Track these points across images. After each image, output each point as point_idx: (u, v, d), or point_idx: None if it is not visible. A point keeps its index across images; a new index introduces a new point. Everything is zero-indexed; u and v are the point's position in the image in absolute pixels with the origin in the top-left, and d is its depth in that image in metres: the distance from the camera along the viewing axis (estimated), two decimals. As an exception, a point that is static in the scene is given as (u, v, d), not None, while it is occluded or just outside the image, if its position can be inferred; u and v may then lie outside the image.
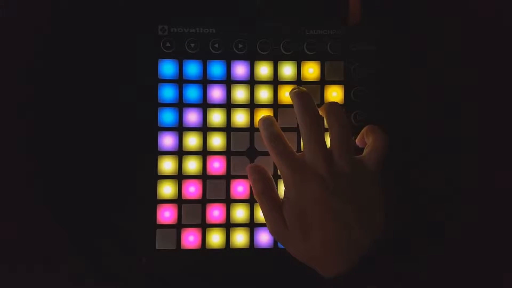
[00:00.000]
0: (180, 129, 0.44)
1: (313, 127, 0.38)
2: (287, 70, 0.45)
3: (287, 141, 0.39)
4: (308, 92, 0.40)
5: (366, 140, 0.40)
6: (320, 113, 0.40)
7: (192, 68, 0.45)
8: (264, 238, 0.44)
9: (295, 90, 0.41)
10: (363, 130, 0.41)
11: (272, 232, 0.39)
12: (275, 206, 0.38)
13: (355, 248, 0.35)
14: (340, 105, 0.41)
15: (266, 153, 0.44)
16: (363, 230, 0.36)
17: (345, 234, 0.35)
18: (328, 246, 0.36)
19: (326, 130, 0.40)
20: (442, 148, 0.47)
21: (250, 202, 0.44)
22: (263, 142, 0.40)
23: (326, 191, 0.36)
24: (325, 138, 0.39)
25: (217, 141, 0.44)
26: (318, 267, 0.37)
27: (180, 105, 0.44)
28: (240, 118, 0.45)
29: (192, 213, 0.44)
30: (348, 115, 0.44)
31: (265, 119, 0.41)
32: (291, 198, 0.37)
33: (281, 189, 0.41)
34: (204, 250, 0.44)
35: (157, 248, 0.43)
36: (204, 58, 0.45)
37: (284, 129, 0.45)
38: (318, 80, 0.45)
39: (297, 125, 0.44)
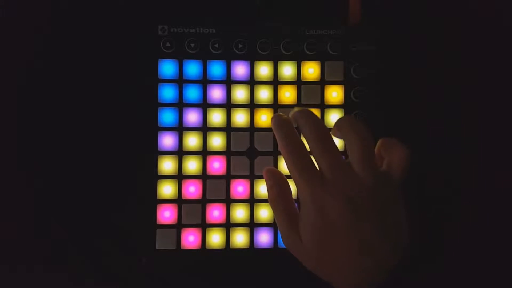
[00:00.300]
0: (180, 129, 0.44)
1: (323, 142, 0.35)
2: (287, 70, 0.45)
3: (305, 149, 0.36)
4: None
5: (384, 153, 0.37)
6: (336, 132, 0.37)
7: (192, 68, 0.45)
8: (264, 238, 0.44)
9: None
10: (379, 143, 0.37)
11: (285, 244, 0.36)
12: (289, 218, 0.35)
13: (378, 269, 0.33)
14: (354, 118, 0.37)
15: (266, 153, 0.45)
16: (388, 250, 0.33)
17: (368, 254, 0.33)
18: (347, 266, 0.33)
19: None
20: (442, 148, 0.47)
21: (250, 202, 0.44)
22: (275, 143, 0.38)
23: (348, 209, 0.33)
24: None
25: (217, 141, 0.44)
26: (336, 283, 0.35)
27: (180, 105, 0.44)
28: (240, 118, 0.45)
29: (192, 213, 0.44)
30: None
31: (279, 120, 0.37)
32: (308, 215, 0.34)
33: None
34: (204, 250, 0.44)
35: (157, 248, 0.43)
36: (204, 58, 0.45)
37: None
38: (318, 80, 0.45)
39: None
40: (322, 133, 0.35)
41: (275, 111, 0.45)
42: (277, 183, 0.37)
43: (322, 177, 0.34)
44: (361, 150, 0.34)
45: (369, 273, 0.33)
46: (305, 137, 0.36)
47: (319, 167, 0.35)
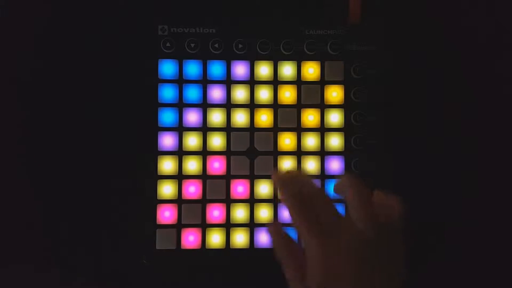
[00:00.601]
0: (180, 129, 0.44)
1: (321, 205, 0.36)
2: (287, 70, 0.45)
3: (309, 207, 0.36)
4: (288, 177, 0.37)
5: (379, 208, 0.37)
6: (337, 191, 0.38)
7: (192, 68, 0.45)
8: (264, 238, 0.44)
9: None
10: (374, 197, 0.38)
11: None
12: (299, 273, 0.36)
13: None
14: (352, 176, 0.37)
15: (266, 153, 0.45)
16: None
17: None
18: None
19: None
20: (442, 148, 0.47)
21: (250, 202, 0.44)
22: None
23: (353, 262, 0.34)
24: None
25: (217, 141, 0.44)
26: None
27: (180, 105, 0.44)
28: (240, 118, 0.45)
29: (192, 213, 0.44)
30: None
31: (283, 179, 0.36)
32: (314, 268, 0.35)
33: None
34: (204, 250, 0.44)
35: (157, 248, 0.43)
36: (204, 58, 0.45)
37: (284, 129, 0.45)
38: (318, 80, 0.45)
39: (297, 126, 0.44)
40: (321, 192, 0.36)
41: (275, 111, 0.45)
42: (284, 244, 0.37)
43: (328, 231, 0.35)
44: (362, 207, 0.35)
45: None
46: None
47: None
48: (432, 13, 0.48)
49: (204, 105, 0.45)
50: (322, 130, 0.45)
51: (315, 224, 0.35)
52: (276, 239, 0.37)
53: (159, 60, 0.45)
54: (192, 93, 0.45)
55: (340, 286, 0.34)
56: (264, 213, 0.44)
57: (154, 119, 0.44)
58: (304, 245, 0.35)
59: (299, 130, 0.45)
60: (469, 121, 0.47)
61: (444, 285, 0.46)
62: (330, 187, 0.45)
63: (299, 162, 0.45)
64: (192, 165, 0.44)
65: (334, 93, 0.45)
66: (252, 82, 0.45)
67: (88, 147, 0.45)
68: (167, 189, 0.44)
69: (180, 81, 0.45)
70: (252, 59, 0.45)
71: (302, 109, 0.45)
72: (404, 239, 0.36)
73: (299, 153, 0.45)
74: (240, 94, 0.45)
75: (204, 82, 0.45)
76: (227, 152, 0.44)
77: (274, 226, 0.38)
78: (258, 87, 0.45)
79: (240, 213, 0.44)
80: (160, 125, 0.44)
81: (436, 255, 0.46)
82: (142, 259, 0.43)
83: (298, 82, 0.45)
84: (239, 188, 0.44)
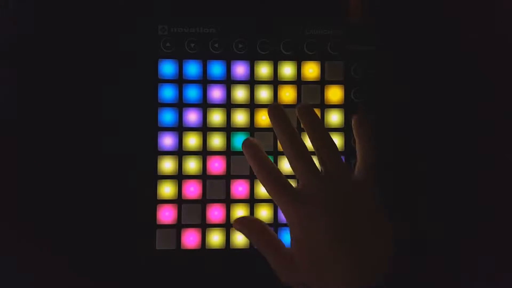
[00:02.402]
0: (180, 129, 0.44)
1: (301, 157, 0.37)
2: (287, 70, 0.45)
3: (279, 171, 0.38)
4: (281, 108, 0.40)
5: (355, 136, 0.40)
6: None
7: (192, 68, 0.45)
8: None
9: (270, 108, 0.40)
10: (353, 125, 0.40)
11: (278, 272, 0.36)
12: (275, 247, 0.37)
13: (372, 274, 0.33)
14: (310, 107, 0.40)
15: (266, 153, 0.44)
16: (379, 251, 0.34)
17: (362, 262, 0.33)
18: (339, 276, 0.33)
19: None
20: (443, 148, 0.47)
21: (250, 202, 0.44)
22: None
23: (330, 220, 0.34)
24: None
25: (217, 141, 0.44)
26: None
27: (180, 105, 0.44)
28: (240, 118, 0.45)
29: (192, 213, 0.44)
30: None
31: (250, 146, 0.39)
32: (298, 237, 0.35)
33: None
34: (204, 250, 0.44)
35: (157, 248, 0.43)
36: (204, 58, 0.45)
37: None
38: (318, 80, 0.45)
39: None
40: (292, 142, 0.38)
41: (275, 111, 0.45)
42: (253, 229, 0.38)
43: (303, 196, 0.35)
44: (331, 161, 0.36)
45: (359, 280, 0.33)
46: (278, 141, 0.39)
47: (297, 178, 0.37)
48: (432, 13, 0.48)
49: (204, 105, 0.45)
50: (322, 130, 0.45)
51: (285, 190, 0.36)
52: (250, 232, 0.38)
53: (159, 60, 0.45)
54: (192, 93, 0.45)
55: (320, 245, 0.34)
56: (264, 213, 0.44)
57: (154, 119, 0.44)
58: (281, 211, 0.36)
59: (299, 130, 0.45)
60: (469, 121, 0.47)
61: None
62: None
63: (299, 162, 0.45)
64: (192, 165, 0.44)
65: (334, 93, 0.45)
66: (252, 82, 0.45)
67: (88, 147, 0.45)
68: (167, 189, 0.44)
69: (180, 81, 0.45)
70: (252, 59, 0.45)
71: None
72: (381, 192, 0.35)
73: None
74: (240, 94, 0.45)
75: (204, 82, 0.45)
76: (227, 152, 0.44)
77: (241, 223, 0.38)
78: (258, 87, 0.45)
79: (240, 213, 0.44)
80: (160, 125, 0.44)
81: (435, 250, 0.46)
82: (142, 259, 0.43)
83: (298, 82, 0.45)
84: (239, 188, 0.44)
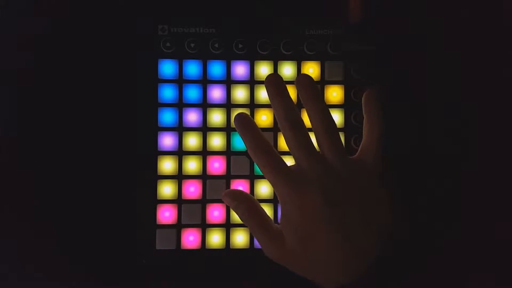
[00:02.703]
0: (180, 129, 0.44)
1: (296, 130, 0.36)
2: (287, 70, 0.45)
3: (274, 149, 0.37)
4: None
5: (364, 114, 0.38)
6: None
7: (192, 68, 0.45)
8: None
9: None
10: (363, 100, 0.39)
11: (268, 253, 0.36)
12: (265, 227, 0.36)
13: (360, 261, 0.33)
14: (311, 79, 0.38)
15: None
16: (368, 239, 0.33)
17: (349, 246, 0.33)
18: (330, 260, 0.34)
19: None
20: (442, 148, 0.47)
21: (250, 202, 0.44)
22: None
23: (326, 200, 0.34)
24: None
25: (217, 141, 0.44)
26: (320, 280, 0.35)
27: (180, 105, 0.44)
28: (240, 118, 0.45)
29: (192, 213, 0.44)
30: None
31: (242, 120, 0.38)
32: (288, 214, 0.35)
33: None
34: (204, 250, 0.44)
35: (157, 248, 0.43)
36: (204, 58, 0.45)
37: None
38: (318, 80, 0.45)
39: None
40: (293, 120, 0.36)
41: (275, 111, 0.45)
42: (241, 201, 0.38)
43: (296, 175, 0.35)
44: (329, 140, 0.35)
45: (351, 266, 0.33)
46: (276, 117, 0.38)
47: (294, 160, 0.36)
48: (432, 13, 0.48)
49: (204, 105, 0.45)
50: (322, 130, 0.45)
51: (280, 169, 0.35)
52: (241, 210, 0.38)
53: (159, 60, 0.45)
54: (192, 93, 0.45)
55: (314, 228, 0.33)
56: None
57: (154, 119, 0.44)
58: (275, 191, 0.36)
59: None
60: (469, 121, 0.47)
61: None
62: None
63: (299, 162, 0.45)
64: (192, 165, 0.44)
65: (334, 93, 0.45)
66: (252, 82, 0.45)
67: (88, 147, 0.45)
68: (167, 189, 0.44)
69: (180, 81, 0.45)
70: (252, 59, 0.45)
71: (302, 109, 0.45)
72: (385, 182, 0.35)
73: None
74: (240, 94, 0.45)
75: (204, 82, 0.45)
76: (227, 152, 0.44)
77: (231, 194, 0.38)
78: (258, 87, 0.45)
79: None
80: (160, 125, 0.44)
81: (435, 250, 0.46)
82: (142, 259, 0.43)
83: (298, 82, 0.45)
84: (239, 188, 0.44)
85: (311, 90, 0.38)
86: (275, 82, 0.38)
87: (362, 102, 0.39)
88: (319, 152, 0.36)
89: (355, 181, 0.35)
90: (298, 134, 0.36)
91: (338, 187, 0.34)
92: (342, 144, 0.36)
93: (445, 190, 0.46)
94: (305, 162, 0.35)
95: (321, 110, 0.37)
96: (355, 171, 0.35)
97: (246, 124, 0.38)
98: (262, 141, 0.37)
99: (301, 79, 0.38)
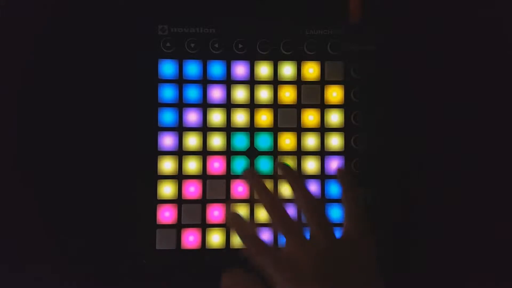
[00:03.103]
0: (180, 129, 0.44)
1: (283, 221, 0.36)
2: (287, 70, 0.45)
3: (261, 237, 0.37)
4: (256, 175, 0.39)
5: (342, 200, 0.38)
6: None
7: (192, 68, 0.45)
8: (264, 238, 0.44)
9: (245, 175, 0.39)
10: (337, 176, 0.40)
11: None
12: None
13: None
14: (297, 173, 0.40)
15: (266, 153, 0.45)
16: None
17: None
18: None
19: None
20: (443, 148, 0.47)
21: (250, 202, 0.44)
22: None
23: (314, 284, 0.33)
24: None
25: (217, 141, 0.44)
26: None
27: (180, 105, 0.44)
28: (240, 118, 0.45)
29: (192, 213, 0.44)
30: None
31: (235, 217, 0.38)
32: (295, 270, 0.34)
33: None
34: (204, 250, 0.44)
35: (157, 248, 0.43)
36: (204, 58, 0.45)
37: (284, 129, 0.45)
38: (318, 80, 0.45)
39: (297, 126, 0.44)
40: (281, 209, 0.36)
41: (275, 111, 0.45)
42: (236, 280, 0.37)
43: (288, 258, 0.35)
44: (317, 223, 0.35)
45: None
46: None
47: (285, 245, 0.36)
48: (432, 13, 0.48)
49: (204, 105, 0.45)
50: (322, 130, 0.45)
51: (272, 254, 0.35)
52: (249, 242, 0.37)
53: (159, 60, 0.45)
54: (192, 93, 0.45)
55: None
56: (263, 213, 0.44)
57: (154, 119, 0.44)
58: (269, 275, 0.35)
59: (299, 130, 0.45)
60: (469, 121, 0.47)
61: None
62: (330, 188, 0.45)
63: (299, 162, 0.45)
64: (192, 165, 0.44)
65: (334, 93, 0.45)
66: (252, 82, 0.45)
67: (88, 147, 0.45)
68: (167, 189, 0.44)
69: (180, 81, 0.45)
70: (252, 59, 0.45)
71: (302, 109, 0.45)
72: (374, 249, 0.35)
73: (299, 153, 0.45)
74: (240, 94, 0.45)
75: (204, 82, 0.45)
76: (227, 152, 0.44)
77: (228, 277, 0.37)
78: (258, 87, 0.45)
79: (240, 213, 0.44)
80: (160, 125, 0.44)
81: (435, 250, 0.46)
82: (142, 259, 0.43)
83: (298, 82, 0.45)
84: (239, 188, 0.44)
85: (293, 177, 0.38)
86: (254, 182, 0.38)
87: (338, 178, 0.40)
88: (308, 239, 0.36)
89: (344, 260, 0.35)
90: (287, 228, 0.36)
91: (330, 272, 0.34)
92: (330, 224, 0.36)
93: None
94: (295, 250, 0.35)
95: (306, 197, 0.37)
96: (347, 251, 0.35)
97: (235, 221, 0.38)
98: (252, 233, 0.37)
99: (283, 170, 0.39)
